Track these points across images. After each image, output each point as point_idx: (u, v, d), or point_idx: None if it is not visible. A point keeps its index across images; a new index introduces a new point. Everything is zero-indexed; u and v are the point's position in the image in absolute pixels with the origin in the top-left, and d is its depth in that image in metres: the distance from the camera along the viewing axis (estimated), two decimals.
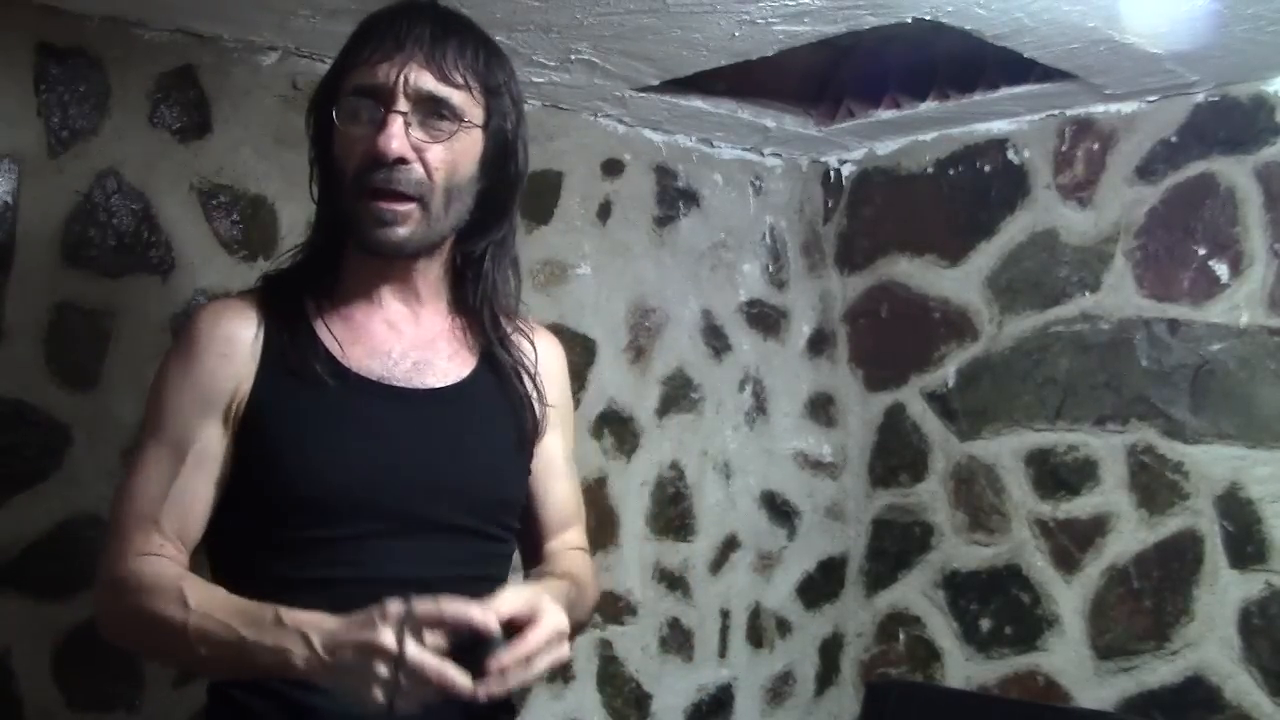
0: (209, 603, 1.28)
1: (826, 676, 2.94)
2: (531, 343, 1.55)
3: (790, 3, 1.93)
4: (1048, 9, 1.96)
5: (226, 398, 1.36)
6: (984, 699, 2.62)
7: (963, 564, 2.73)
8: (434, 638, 1.19)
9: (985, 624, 2.68)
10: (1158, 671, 2.40)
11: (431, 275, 1.46)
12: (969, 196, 2.75)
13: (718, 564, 2.75)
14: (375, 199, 1.35)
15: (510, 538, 1.52)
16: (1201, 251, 2.39)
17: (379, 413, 1.39)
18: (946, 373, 2.78)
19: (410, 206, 1.35)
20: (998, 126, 2.69)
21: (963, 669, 2.72)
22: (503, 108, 1.41)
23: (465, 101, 1.37)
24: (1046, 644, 2.57)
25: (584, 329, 2.54)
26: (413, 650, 1.17)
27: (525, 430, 1.51)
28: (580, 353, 2.50)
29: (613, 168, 2.60)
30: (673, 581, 2.66)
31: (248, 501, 1.37)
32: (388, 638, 1.17)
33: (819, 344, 2.98)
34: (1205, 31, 2.04)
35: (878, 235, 2.92)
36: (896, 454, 2.88)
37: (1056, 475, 2.58)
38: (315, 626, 1.22)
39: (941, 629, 2.77)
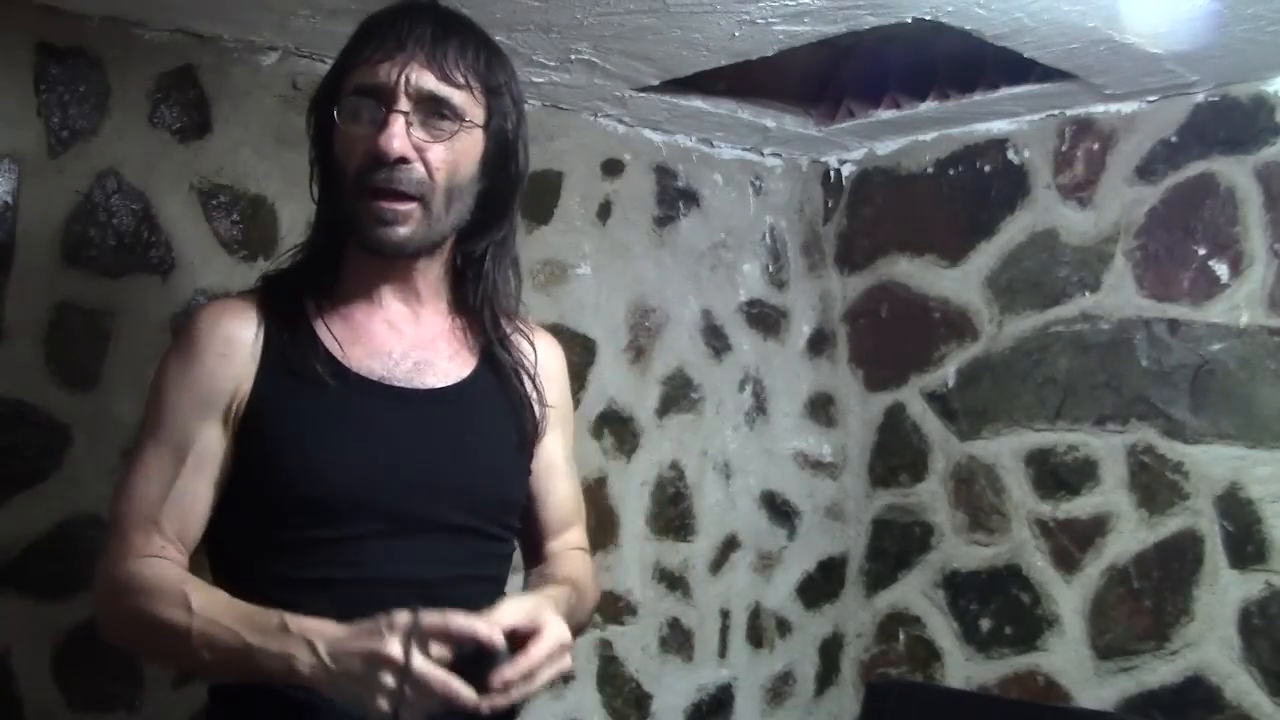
0: (213, 607, 1.28)
1: (826, 676, 2.94)
2: (531, 343, 1.55)
3: (790, 3, 1.93)
4: (1048, 9, 1.96)
5: (226, 398, 1.36)
6: (984, 699, 2.62)
7: (963, 564, 2.73)
8: (438, 648, 1.20)
9: (985, 624, 2.68)
10: (1158, 671, 2.40)
11: (432, 275, 1.46)
12: (969, 196, 2.75)
13: (718, 564, 2.75)
14: (376, 198, 1.35)
15: (511, 538, 1.52)
16: (1201, 251, 2.39)
17: (379, 413, 1.39)
18: (946, 373, 2.78)
19: (411, 206, 1.35)
20: (998, 126, 2.69)
21: (963, 669, 2.72)
22: (503, 108, 1.42)
23: (466, 101, 1.37)
24: (1046, 644, 2.57)
25: (584, 329, 2.54)
26: (419, 662, 1.18)
27: (525, 430, 1.51)
28: (580, 353, 2.50)
29: (613, 168, 2.60)
30: (673, 581, 2.66)
31: (248, 502, 1.37)
32: (394, 648, 1.18)
33: (819, 344, 2.98)
34: (1205, 31, 2.04)
35: (878, 235, 2.92)
36: (896, 454, 2.88)
37: (1056, 475, 2.58)
38: (321, 634, 1.23)
39: (941, 629, 2.77)
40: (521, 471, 1.53)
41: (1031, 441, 2.62)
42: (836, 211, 3.01)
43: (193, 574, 1.35)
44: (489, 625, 1.22)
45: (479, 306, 1.49)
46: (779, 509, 2.88)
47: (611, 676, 2.56)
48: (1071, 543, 2.54)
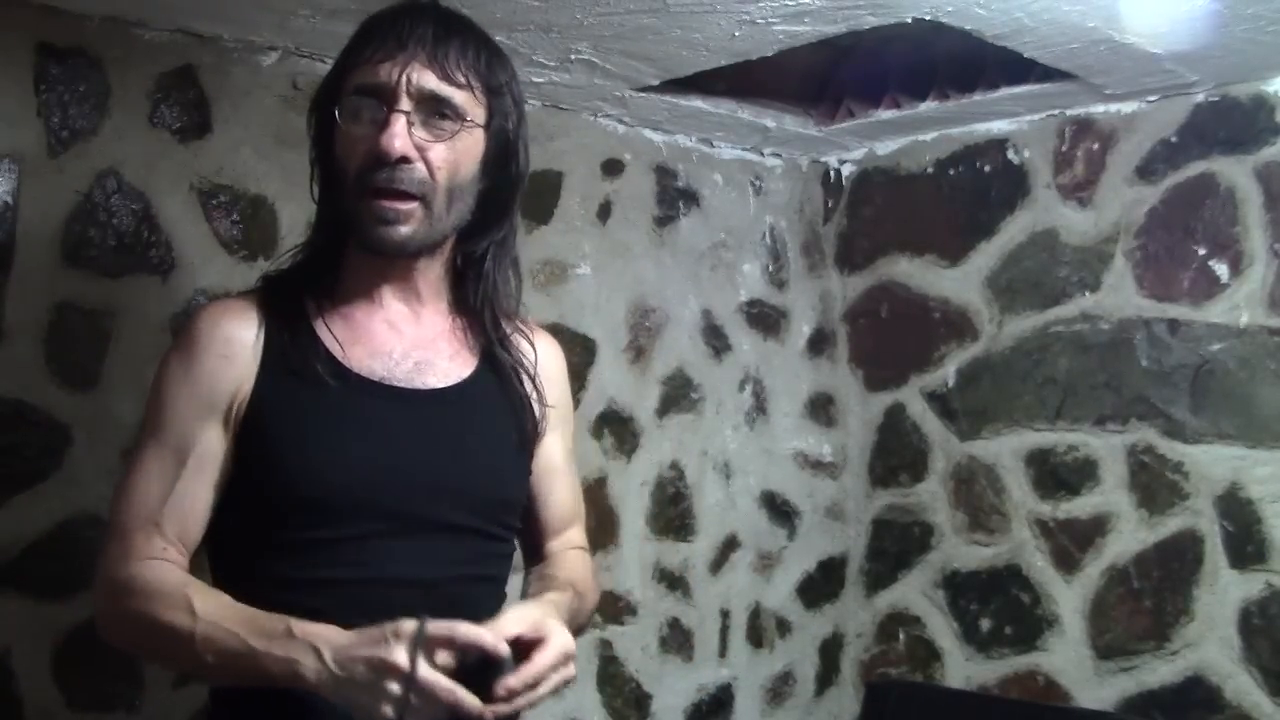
0: (217, 611, 1.28)
1: (826, 676, 2.94)
2: (531, 343, 1.55)
3: (790, 3, 1.93)
4: (1048, 9, 1.96)
5: (227, 399, 1.36)
6: (984, 699, 2.62)
7: (963, 564, 2.73)
8: (443, 656, 1.20)
9: (985, 624, 2.68)
10: (1158, 671, 2.40)
11: (432, 275, 1.46)
12: (969, 196, 2.75)
13: (718, 564, 2.75)
14: (378, 198, 1.35)
15: (511, 537, 1.52)
16: (1201, 251, 2.39)
17: (380, 413, 1.39)
18: (946, 373, 2.78)
19: (413, 205, 1.35)
20: (998, 126, 2.69)
21: (963, 669, 2.72)
22: (504, 108, 1.42)
23: (467, 101, 1.37)
24: (1046, 644, 2.57)
25: (584, 329, 2.54)
26: (425, 670, 1.18)
27: (526, 430, 1.52)
28: (580, 353, 2.50)
29: (613, 168, 2.60)
30: (673, 581, 2.66)
31: (249, 502, 1.37)
32: (400, 656, 1.18)
33: (819, 344, 2.98)
34: (1205, 31, 2.04)
35: (878, 235, 2.92)
36: (896, 454, 2.88)
37: (1056, 475, 2.58)
38: (326, 639, 1.23)
39: (941, 629, 2.77)
40: (522, 471, 1.53)
41: (1031, 441, 2.62)
42: (836, 211, 3.01)
43: (193, 575, 1.35)
44: (494, 634, 1.22)
45: (479, 306, 1.49)
46: (779, 509, 2.88)
47: (611, 676, 2.56)
48: (1071, 543, 2.54)
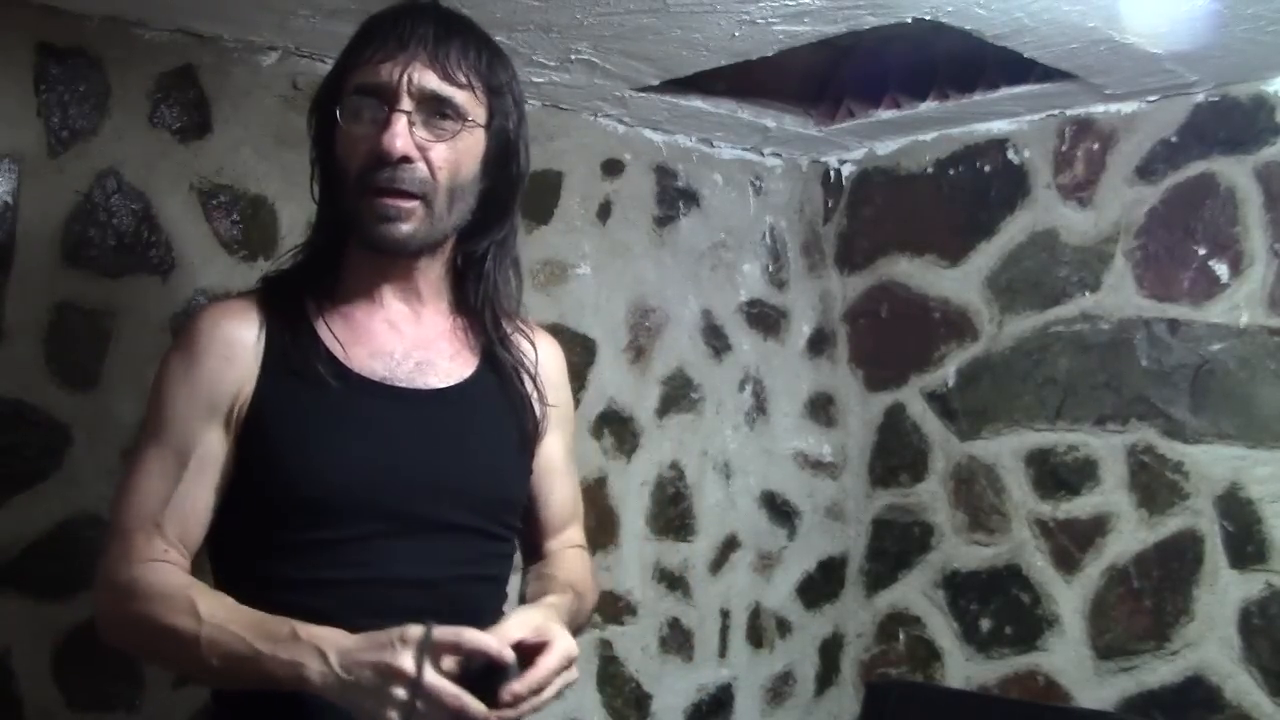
0: (221, 614, 1.27)
1: (826, 676, 2.94)
2: (532, 343, 1.55)
3: (790, 3, 1.93)
4: (1048, 9, 1.96)
5: (228, 401, 1.36)
6: (984, 699, 2.62)
7: (963, 564, 2.73)
8: (447, 661, 1.20)
9: (985, 624, 2.68)
10: (1158, 671, 2.40)
11: (433, 275, 1.46)
12: (969, 196, 2.75)
13: (718, 564, 2.75)
14: (379, 196, 1.35)
15: (512, 537, 1.52)
16: (1201, 251, 2.39)
17: (382, 413, 1.39)
18: (946, 373, 2.78)
19: (414, 204, 1.36)
20: (998, 126, 2.69)
21: (963, 669, 2.72)
22: (505, 107, 1.42)
23: (468, 101, 1.37)
24: (1046, 644, 2.57)
25: (584, 329, 2.54)
26: (431, 676, 1.18)
27: (527, 430, 1.52)
28: (580, 353, 2.50)
29: (613, 168, 2.60)
30: (673, 581, 2.66)
31: (251, 503, 1.37)
32: (407, 661, 1.18)
33: (819, 344, 2.98)
34: (1205, 31, 2.04)
35: (878, 235, 2.92)
36: (896, 454, 2.88)
37: (1056, 475, 2.58)
38: (332, 643, 1.23)
39: (941, 629, 2.77)
40: (523, 471, 1.54)
41: (1031, 441, 2.62)
42: (836, 211, 3.01)
43: (194, 578, 1.35)
44: (500, 641, 1.23)
45: (480, 306, 1.49)
46: (779, 509, 2.88)
47: (611, 676, 2.56)
48: (1071, 543, 2.54)
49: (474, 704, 1.19)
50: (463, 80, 1.36)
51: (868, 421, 2.94)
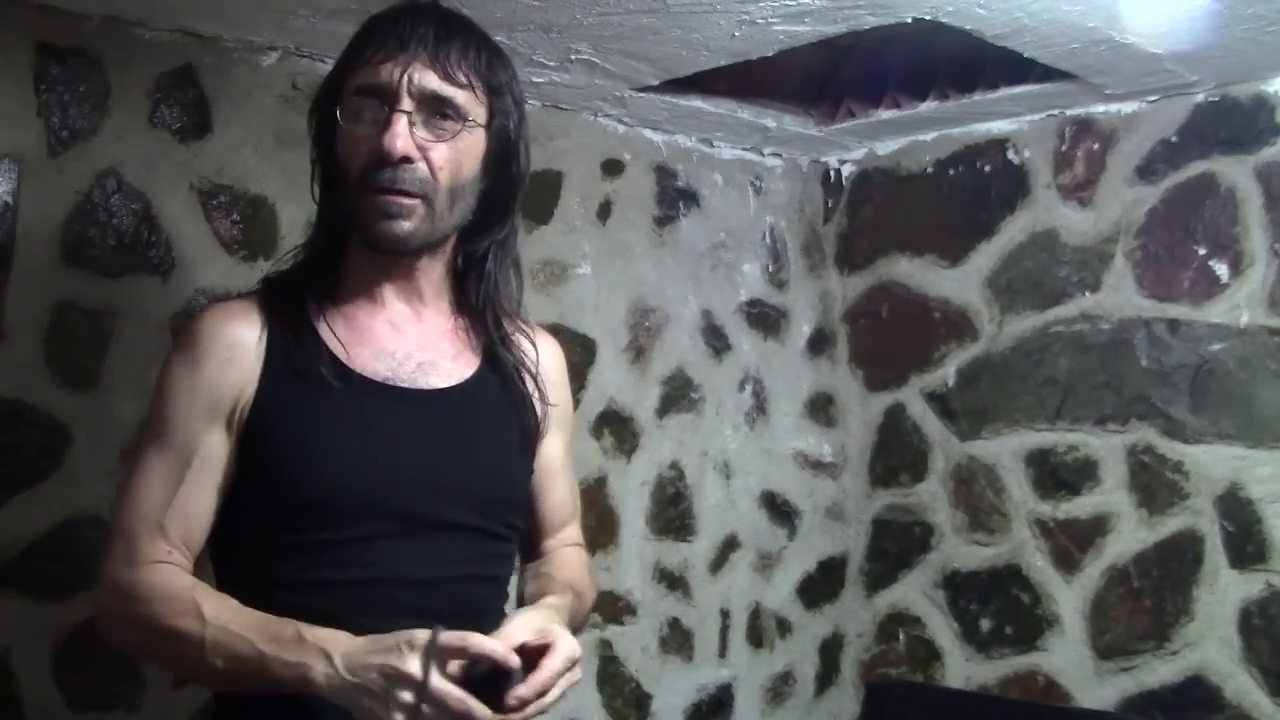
0: (225, 615, 1.28)
1: (826, 676, 2.94)
2: (533, 343, 1.55)
3: (790, 3, 1.93)
4: (1048, 9, 1.96)
5: (230, 403, 1.36)
6: (984, 699, 2.62)
7: (963, 564, 2.73)
8: (451, 665, 1.21)
9: (985, 624, 2.68)
10: (1158, 671, 2.40)
11: (434, 275, 1.46)
12: (969, 196, 2.75)
13: (718, 564, 2.75)
14: (380, 194, 1.35)
15: (514, 537, 1.52)
16: (1201, 251, 2.39)
17: (384, 414, 1.39)
18: (946, 373, 2.78)
19: (415, 202, 1.36)
20: (998, 126, 2.69)
21: (963, 669, 2.72)
22: (505, 107, 1.42)
23: (469, 101, 1.37)
24: (1046, 644, 2.57)
25: (584, 329, 2.54)
26: (437, 680, 1.19)
27: (528, 430, 1.52)
28: (580, 353, 2.50)
29: (613, 168, 2.60)
30: (673, 581, 2.66)
31: (253, 505, 1.37)
32: (414, 665, 1.19)
33: (819, 344, 2.98)
34: (1205, 31, 2.04)
35: (878, 235, 2.92)
36: (896, 454, 2.88)
37: (1056, 475, 2.58)
38: (337, 645, 1.23)
39: (941, 629, 2.77)
40: (525, 471, 1.54)
41: (1031, 441, 2.62)
42: (836, 211, 3.01)
43: (197, 579, 1.35)
44: (504, 645, 1.23)
45: (481, 306, 1.49)
46: (779, 509, 2.88)
47: (611, 676, 2.56)
48: (1071, 543, 2.54)
49: (479, 708, 1.20)
50: (463, 80, 1.36)
51: (868, 421, 2.94)
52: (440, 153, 1.36)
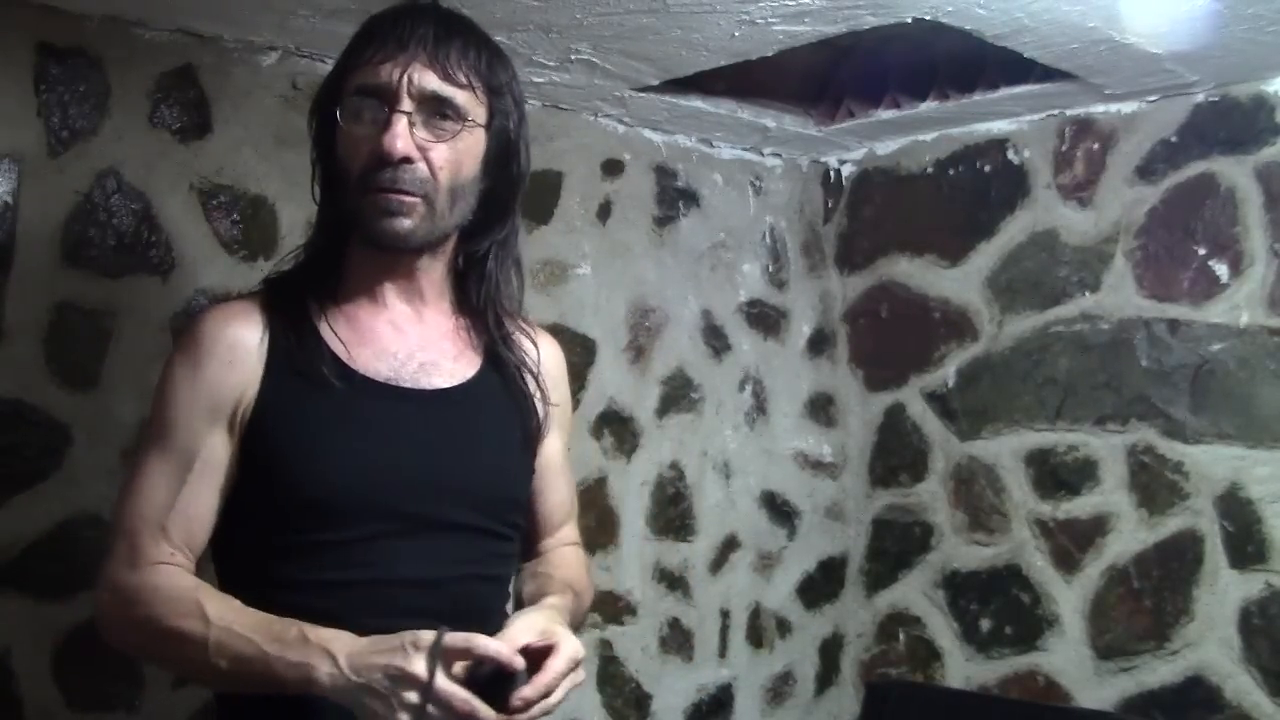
0: (229, 616, 1.28)
1: (826, 676, 2.94)
2: (534, 342, 1.56)
3: (790, 3, 1.93)
4: (1048, 9, 1.96)
5: (232, 405, 1.36)
6: (984, 699, 2.62)
7: (963, 564, 2.73)
8: (455, 667, 1.21)
9: (985, 624, 2.68)
10: (1158, 671, 2.40)
11: (435, 275, 1.46)
12: (969, 196, 2.75)
13: (718, 564, 2.75)
14: (380, 194, 1.35)
15: (516, 535, 1.52)
16: (1201, 251, 2.39)
17: (387, 414, 1.39)
18: (946, 373, 2.78)
19: (416, 200, 1.36)
20: (998, 126, 2.69)
21: (963, 669, 2.72)
22: (505, 107, 1.42)
23: (469, 101, 1.37)
24: (1046, 644, 2.57)
25: (584, 329, 2.54)
26: (443, 681, 1.19)
27: (530, 429, 1.52)
28: (580, 353, 2.50)
29: (613, 168, 2.60)
30: (673, 581, 2.66)
31: (256, 506, 1.37)
32: (419, 666, 1.19)
33: (819, 344, 2.98)
34: (1205, 31, 2.04)
35: (878, 235, 2.92)
36: (896, 454, 2.88)
37: (1056, 475, 2.58)
38: (341, 646, 1.23)
39: (941, 629, 2.77)
40: (527, 470, 1.54)
41: (1031, 441, 2.62)
42: (836, 211, 3.01)
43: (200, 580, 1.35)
44: (509, 647, 1.23)
45: (482, 306, 1.49)
46: (779, 509, 2.88)
47: (611, 676, 2.56)
48: (1071, 543, 2.54)
49: (483, 709, 1.20)
50: (463, 80, 1.36)
51: (868, 421, 2.94)
52: (440, 153, 1.36)
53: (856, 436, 2.96)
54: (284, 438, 1.35)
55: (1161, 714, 2.38)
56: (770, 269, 2.90)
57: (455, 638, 1.21)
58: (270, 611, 1.28)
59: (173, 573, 1.32)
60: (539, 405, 1.53)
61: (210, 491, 1.36)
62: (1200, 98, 2.40)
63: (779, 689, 2.86)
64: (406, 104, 1.34)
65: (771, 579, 2.85)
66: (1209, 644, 2.34)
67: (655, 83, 2.33)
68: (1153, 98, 2.45)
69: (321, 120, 1.42)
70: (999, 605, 2.66)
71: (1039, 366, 2.62)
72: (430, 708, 1.19)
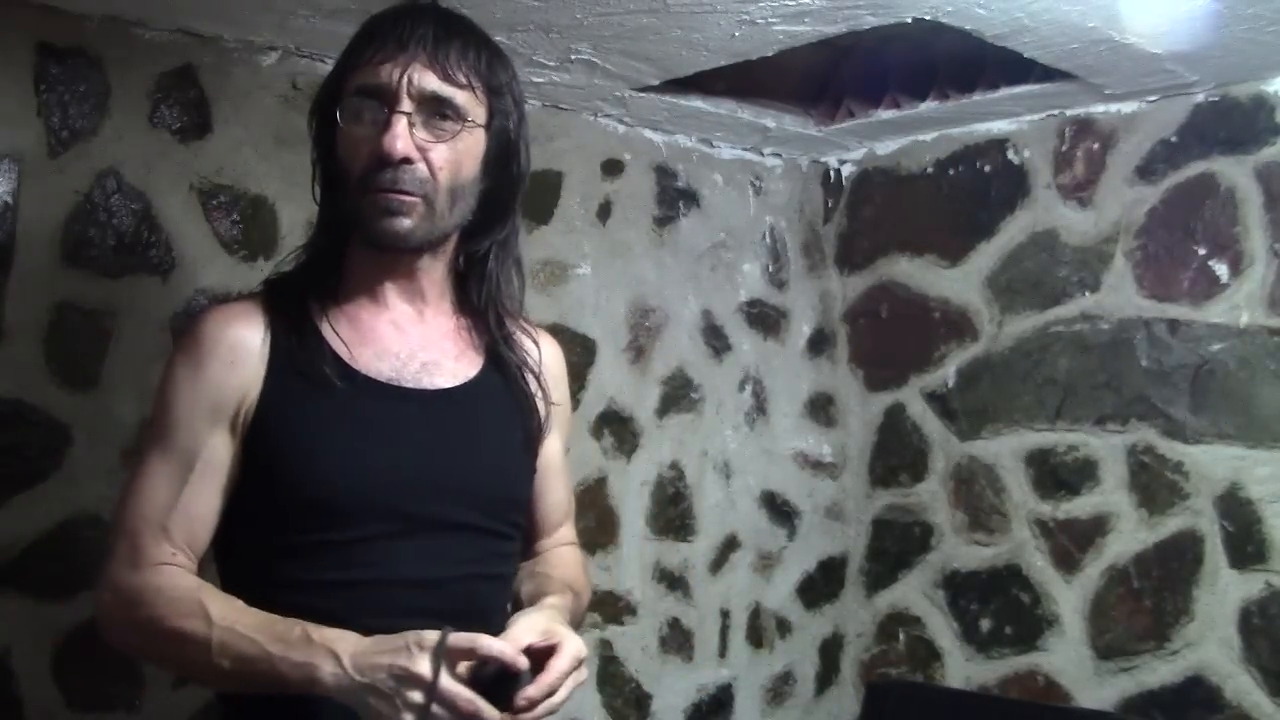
0: (232, 616, 1.28)
1: (826, 676, 2.94)
2: (535, 342, 1.56)
3: (790, 3, 1.93)
4: (1048, 9, 1.96)
5: (234, 406, 1.36)
6: (984, 699, 2.62)
7: (963, 564, 2.73)
8: (459, 667, 1.22)
9: (985, 624, 2.68)
10: (1158, 671, 2.40)
11: (436, 275, 1.46)
12: (969, 196, 2.75)
13: (718, 564, 2.75)
14: (380, 194, 1.35)
15: (517, 535, 1.53)
16: (1201, 251, 2.39)
17: (389, 414, 1.39)
18: (946, 373, 2.78)
19: (415, 200, 1.36)
20: (998, 126, 2.69)
21: (963, 669, 2.72)
22: (505, 107, 1.42)
23: (468, 101, 1.37)
24: (1046, 644, 2.57)
25: (584, 329, 2.54)
26: (447, 682, 1.19)
27: (531, 429, 1.52)
28: (580, 353, 2.50)
29: (613, 168, 2.60)
30: (673, 581, 2.66)
31: (258, 506, 1.37)
32: (423, 666, 1.19)
33: (819, 344, 2.98)
34: (1205, 31, 2.04)
35: (878, 235, 2.92)
36: (896, 454, 2.88)
37: (1056, 475, 2.58)
38: (345, 645, 1.23)
39: (941, 629, 2.77)
40: (528, 470, 1.54)
41: (1031, 441, 2.62)
42: (836, 211, 3.01)
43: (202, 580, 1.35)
44: (514, 648, 1.24)
45: (483, 306, 1.49)
46: (779, 509, 2.88)
47: (611, 676, 2.56)
48: (1071, 543, 2.54)
49: (488, 709, 1.20)
50: (463, 81, 1.36)
51: (868, 421, 2.94)
52: (440, 153, 1.36)
53: (856, 436, 2.96)
54: (286, 438, 1.35)
55: (1161, 714, 2.38)
56: (770, 269, 2.90)
57: (459, 638, 1.21)
58: (273, 612, 1.28)
59: (175, 573, 1.32)
60: (540, 405, 1.53)
61: (212, 492, 1.36)
62: (1200, 98, 2.40)
63: (779, 689, 2.86)
64: (406, 104, 1.34)
65: (771, 579, 2.85)
66: (1209, 644, 2.34)
67: (655, 83, 2.33)
68: (1153, 98, 2.45)
69: (321, 120, 1.42)
70: (999, 605, 2.66)
71: (1039, 366, 2.62)
72: (435, 708, 1.19)
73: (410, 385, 1.42)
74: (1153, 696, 2.40)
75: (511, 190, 1.46)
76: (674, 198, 2.71)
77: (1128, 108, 2.49)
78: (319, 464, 1.35)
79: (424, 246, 1.41)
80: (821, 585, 2.94)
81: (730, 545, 2.78)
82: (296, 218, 2.07)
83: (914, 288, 2.85)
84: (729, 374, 2.80)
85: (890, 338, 2.89)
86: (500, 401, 1.49)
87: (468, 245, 1.47)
